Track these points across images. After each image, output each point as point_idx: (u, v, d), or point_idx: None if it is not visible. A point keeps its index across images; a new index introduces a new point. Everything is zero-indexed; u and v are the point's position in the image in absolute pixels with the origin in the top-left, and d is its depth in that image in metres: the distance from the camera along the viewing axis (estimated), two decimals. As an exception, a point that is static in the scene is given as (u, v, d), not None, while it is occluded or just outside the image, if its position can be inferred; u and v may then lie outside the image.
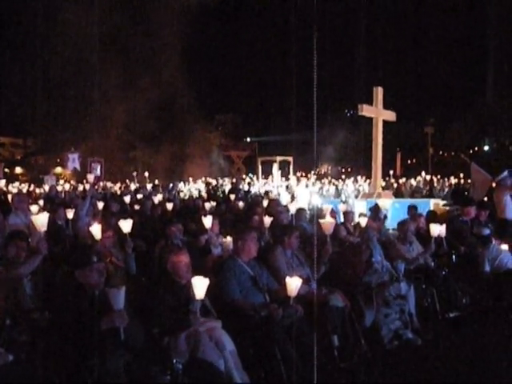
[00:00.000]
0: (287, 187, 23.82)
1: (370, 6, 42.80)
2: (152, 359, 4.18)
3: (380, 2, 44.93)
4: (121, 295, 3.93)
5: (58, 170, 40.99)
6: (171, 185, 23.82)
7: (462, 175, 26.81)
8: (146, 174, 28.39)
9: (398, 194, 20.64)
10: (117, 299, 3.91)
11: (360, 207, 12.15)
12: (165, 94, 36.99)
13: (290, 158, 36.11)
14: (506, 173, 11.12)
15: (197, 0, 35.96)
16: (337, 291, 6.05)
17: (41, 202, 11.61)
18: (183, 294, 4.80)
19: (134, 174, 29.10)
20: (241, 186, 23.42)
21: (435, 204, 13.86)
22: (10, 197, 10.79)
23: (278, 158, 35.23)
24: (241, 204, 12.24)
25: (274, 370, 4.84)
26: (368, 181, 22.56)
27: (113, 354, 3.96)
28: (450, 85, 49.13)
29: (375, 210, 9.92)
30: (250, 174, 34.96)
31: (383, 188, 17.46)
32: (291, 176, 31.51)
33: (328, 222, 6.12)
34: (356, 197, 17.40)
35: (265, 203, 11.87)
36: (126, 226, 6.44)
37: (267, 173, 34.46)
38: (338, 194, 22.07)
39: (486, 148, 51.19)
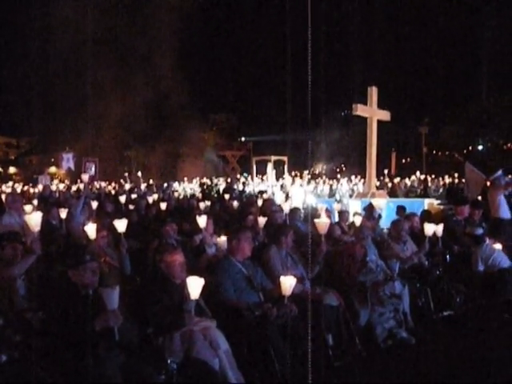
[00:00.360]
0: (282, 187, 23.84)
1: (365, 6, 42.90)
2: (146, 359, 4.17)
3: (375, 2, 45.03)
4: (115, 295, 3.92)
5: (53, 169, 40.93)
6: (165, 184, 23.81)
7: (456, 175, 26.91)
8: (139, 173, 28.35)
9: (392, 193, 20.69)
10: (111, 299, 3.90)
11: (354, 207, 12.19)
12: (159, 93, 36.96)
13: (285, 158, 36.11)
14: (499, 172, 11.16)
15: (192, -1, 35.96)
16: (331, 290, 6.06)
17: (35, 202, 11.57)
18: (177, 294, 4.79)
19: (126, 174, 29.06)
20: (235, 186, 23.42)
21: (429, 203, 13.89)
22: (3, 197, 10.74)
23: (273, 158, 35.20)
24: (235, 204, 12.25)
25: (269, 370, 4.84)
26: (362, 180, 22.59)
27: (107, 355, 3.95)
28: (444, 85, 49.32)
29: (369, 210, 9.94)
30: (245, 174, 34.96)
31: (378, 187, 17.50)
32: (286, 175, 31.53)
33: (322, 221, 6.12)
34: (350, 196, 17.44)
35: (259, 203, 11.87)
36: (120, 225, 6.43)
37: (262, 172, 34.46)
38: (332, 193, 22.10)
39: (480, 147, 51.42)
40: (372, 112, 14.30)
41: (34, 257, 5.27)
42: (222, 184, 26.13)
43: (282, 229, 6.72)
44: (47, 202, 12.38)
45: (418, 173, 27.35)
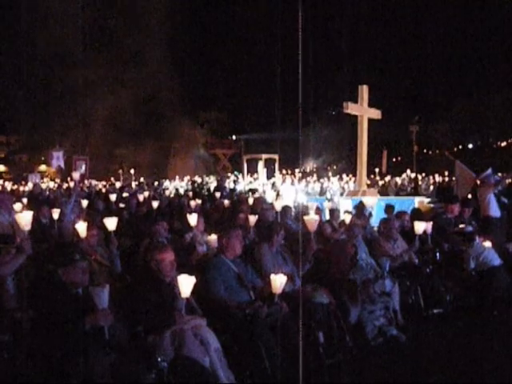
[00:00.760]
0: (273, 185, 23.85)
1: (356, 5, 42.96)
2: (137, 358, 4.15)
3: (365, 0, 45.14)
4: (105, 294, 3.91)
5: (43, 167, 40.70)
6: (156, 183, 23.76)
7: (446, 173, 27.00)
8: (132, 171, 28.26)
9: (383, 191, 20.75)
10: (101, 298, 3.89)
11: (345, 205, 12.20)
12: (149, 90, 36.82)
13: (276, 156, 36.12)
14: (489, 171, 11.20)
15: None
16: (322, 288, 6.07)
17: (24, 200, 11.49)
18: (168, 292, 4.78)
19: (120, 171, 28.98)
20: (226, 184, 23.40)
21: (420, 202, 13.94)
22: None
23: (264, 156, 35.20)
24: (226, 202, 12.23)
25: (260, 368, 4.85)
26: (353, 179, 22.64)
27: (97, 354, 3.94)
28: (434, 83, 49.47)
29: (360, 208, 9.96)
30: (236, 172, 34.93)
31: (368, 186, 17.53)
32: (277, 174, 31.54)
33: (312, 219, 6.13)
34: (341, 194, 17.46)
35: (250, 201, 11.87)
36: (110, 224, 6.41)
37: (253, 171, 34.45)
38: (323, 191, 22.13)
39: (471, 146, 51.68)
40: (363, 110, 14.32)
41: (25, 256, 5.23)
42: (212, 182, 26.10)
43: (272, 227, 6.72)
44: (37, 201, 12.31)
45: (408, 171, 27.45)
